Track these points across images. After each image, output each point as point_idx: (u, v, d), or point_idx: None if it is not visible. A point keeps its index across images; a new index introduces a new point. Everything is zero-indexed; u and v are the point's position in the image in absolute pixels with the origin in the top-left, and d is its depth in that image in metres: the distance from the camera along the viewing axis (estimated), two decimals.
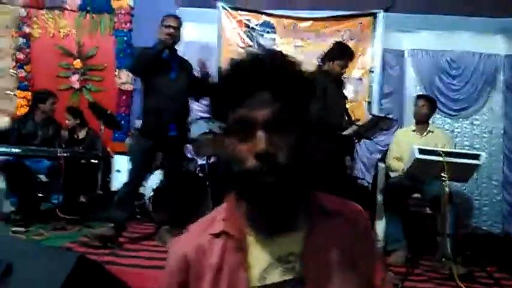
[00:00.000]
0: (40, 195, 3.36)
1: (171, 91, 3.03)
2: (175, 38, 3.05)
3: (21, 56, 4.97)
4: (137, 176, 3.11)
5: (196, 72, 3.20)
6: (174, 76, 3.06)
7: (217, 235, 0.80)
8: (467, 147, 4.47)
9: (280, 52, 0.80)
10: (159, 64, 3.00)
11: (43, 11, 5.02)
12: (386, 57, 4.67)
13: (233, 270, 0.77)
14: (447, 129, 4.44)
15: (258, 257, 0.77)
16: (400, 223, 3.22)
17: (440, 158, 2.68)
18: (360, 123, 2.78)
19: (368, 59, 4.70)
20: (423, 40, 4.64)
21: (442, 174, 2.68)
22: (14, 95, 4.91)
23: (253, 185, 0.73)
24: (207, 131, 3.94)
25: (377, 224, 3.38)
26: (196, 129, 3.87)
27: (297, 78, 0.77)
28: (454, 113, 4.58)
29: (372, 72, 4.67)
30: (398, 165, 3.35)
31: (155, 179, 3.79)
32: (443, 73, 4.58)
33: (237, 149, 0.75)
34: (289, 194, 0.75)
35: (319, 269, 0.76)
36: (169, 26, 3.02)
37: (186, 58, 3.32)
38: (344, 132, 2.79)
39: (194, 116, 4.08)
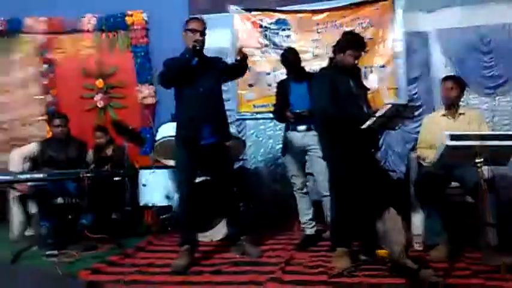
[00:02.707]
0: (70, 217, 3.39)
1: (202, 99, 2.96)
2: (202, 42, 2.96)
3: (46, 81, 5.11)
4: (186, 188, 3.04)
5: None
6: (204, 83, 2.97)
7: None
8: (507, 126, 4.15)
9: None
10: (189, 73, 2.93)
11: (62, 36, 5.15)
12: (409, 40, 4.43)
13: None
14: (485, 109, 4.14)
15: None
16: (439, 215, 3.01)
17: (474, 143, 2.47)
18: (378, 113, 2.60)
19: (390, 44, 4.47)
20: (449, 18, 4.35)
21: (477, 160, 2.47)
22: (44, 120, 5.05)
23: None
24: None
25: (413, 218, 3.18)
26: None
27: None
28: (490, 91, 4.26)
29: (396, 58, 4.44)
30: (430, 152, 3.15)
31: None
32: (474, 50, 4.26)
33: None
34: None
35: None
36: (194, 31, 2.94)
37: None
38: (363, 126, 2.62)
39: None
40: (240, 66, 3.08)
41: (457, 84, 3.20)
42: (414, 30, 4.42)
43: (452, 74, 4.03)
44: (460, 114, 3.22)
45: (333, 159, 2.84)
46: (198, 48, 2.90)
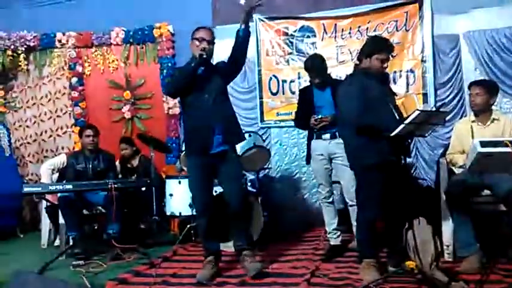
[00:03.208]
0: (96, 227, 3.45)
1: (209, 107, 2.88)
2: (209, 52, 2.89)
3: (75, 94, 5.26)
4: (201, 200, 2.97)
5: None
6: (210, 91, 2.90)
7: None
8: None
9: None
10: (195, 82, 2.88)
11: (92, 49, 5.29)
12: (438, 44, 4.29)
13: None
14: None
15: None
16: (470, 225, 2.87)
17: (508, 149, 2.35)
18: (408, 120, 2.51)
19: (419, 48, 4.36)
20: (478, 20, 4.19)
21: None
22: (73, 131, 5.20)
23: None
24: (252, 145, 3.86)
25: (444, 228, 3.05)
26: (242, 144, 3.79)
27: None
28: None
29: (424, 61, 4.31)
30: (461, 157, 3.02)
31: None
32: (505, 51, 4.09)
33: None
34: None
35: None
36: (201, 39, 2.87)
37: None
38: (392, 133, 2.54)
39: None
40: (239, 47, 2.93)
41: (485, 89, 3.06)
42: (443, 33, 4.29)
43: (482, 77, 3.88)
44: (494, 120, 3.08)
45: (359, 167, 2.76)
46: (204, 57, 2.84)
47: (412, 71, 4.37)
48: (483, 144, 2.37)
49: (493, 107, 3.19)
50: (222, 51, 4.56)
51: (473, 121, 3.13)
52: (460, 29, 4.26)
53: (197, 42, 2.88)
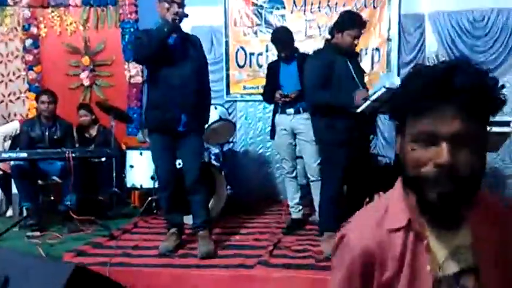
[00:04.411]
0: (52, 198, 3.31)
1: (179, 80, 2.71)
2: (181, 16, 2.67)
3: (30, 57, 4.94)
4: (164, 176, 2.87)
5: None
6: (181, 61, 2.73)
7: (396, 230, 0.84)
8: (500, 112, 4.11)
9: (470, 66, 0.79)
10: (165, 51, 2.67)
11: (48, 10, 4.95)
12: (404, 23, 4.35)
13: (415, 261, 0.83)
14: None
15: (437, 250, 0.83)
16: None
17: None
18: (374, 97, 2.54)
19: (385, 26, 4.39)
20: (444, 1, 4.27)
21: None
22: (27, 97, 4.91)
23: (429, 189, 0.77)
24: (218, 118, 3.79)
25: None
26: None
27: (487, 95, 0.78)
28: None
29: (390, 40, 4.36)
30: None
31: None
32: (468, 34, 4.21)
33: (417, 153, 0.78)
34: (463, 201, 0.79)
35: (489, 259, 0.83)
36: (173, 2, 2.63)
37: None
38: (358, 110, 2.56)
39: None
40: None
41: None
42: (410, 12, 4.34)
43: (444, 58, 3.98)
44: None
45: (327, 143, 2.78)
46: (178, 22, 2.65)
47: (377, 49, 4.42)
48: None
49: None
50: (192, 20, 4.40)
51: None
52: (425, 9, 4.33)
53: (167, 5, 2.64)
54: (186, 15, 2.73)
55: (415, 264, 0.82)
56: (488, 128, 0.82)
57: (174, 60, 2.73)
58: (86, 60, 4.92)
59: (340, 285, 0.89)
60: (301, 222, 3.42)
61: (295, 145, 3.35)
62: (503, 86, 0.80)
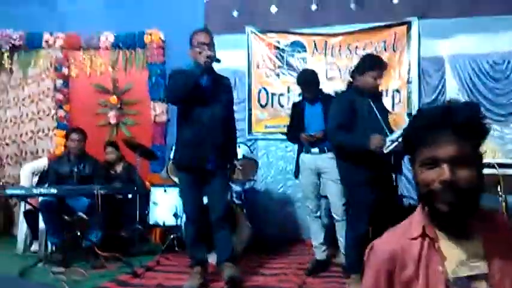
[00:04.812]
0: (78, 233, 3.35)
1: (209, 120, 2.80)
2: (213, 57, 2.76)
3: (60, 96, 5.14)
4: (191, 211, 2.93)
5: None
6: (212, 102, 2.82)
7: (415, 238, 1.03)
8: None
9: (468, 104, 1.08)
10: (198, 92, 2.76)
11: (79, 52, 5.21)
12: (424, 65, 4.43)
13: (430, 263, 0.99)
14: (496, 137, 4.09)
15: (449, 255, 0.99)
16: None
17: (494, 171, 2.42)
18: (398, 137, 2.56)
19: (405, 69, 4.48)
20: (463, 44, 4.35)
21: (498, 189, 2.42)
22: (55, 134, 5.07)
23: (438, 201, 0.97)
24: (242, 156, 3.86)
25: None
26: None
27: (476, 125, 1.00)
28: (502, 119, 4.22)
29: (410, 82, 4.44)
30: None
31: None
32: (487, 77, 4.26)
33: (425, 175, 0.99)
34: (467, 209, 0.98)
35: (500, 269, 0.97)
36: (204, 44, 2.74)
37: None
38: (385, 151, 2.59)
39: None
40: None
41: None
42: (429, 56, 4.42)
43: (465, 100, 4.01)
44: None
45: (351, 183, 2.79)
46: (210, 64, 2.74)
47: (398, 91, 4.49)
48: None
49: None
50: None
51: None
52: (445, 52, 4.41)
53: (198, 49, 2.74)
54: (218, 60, 2.82)
55: (430, 266, 0.99)
56: (480, 150, 1.02)
57: (205, 101, 2.82)
58: (113, 99, 5.10)
59: (369, 284, 1.07)
60: (325, 263, 3.37)
61: (320, 184, 3.36)
62: (485, 116, 1.02)
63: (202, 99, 2.81)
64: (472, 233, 1.01)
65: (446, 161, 0.96)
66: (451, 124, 0.97)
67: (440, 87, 4.40)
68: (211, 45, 2.80)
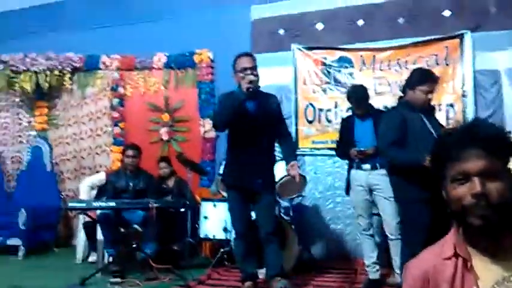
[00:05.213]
0: (134, 245, 3.48)
1: (256, 146, 2.86)
2: (257, 82, 2.77)
3: (116, 114, 5.43)
4: (240, 227, 3.00)
5: None
6: (259, 127, 2.85)
7: (448, 258, 1.02)
8: None
9: (488, 122, 1.10)
10: (244, 117, 2.80)
11: (134, 72, 5.49)
12: (479, 79, 4.27)
13: (464, 284, 0.98)
14: None
15: (484, 274, 0.97)
16: None
17: None
18: None
19: (459, 83, 4.34)
20: None
21: None
22: (111, 150, 5.33)
23: (471, 216, 0.95)
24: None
25: None
26: (278, 172, 3.81)
27: (502, 141, 1.02)
28: None
29: (465, 96, 4.29)
30: None
31: None
32: None
33: (457, 191, 0.99)
34: (500, 222, 0.96)
35: None
36: (246, 69, 2.77)
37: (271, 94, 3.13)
38: None
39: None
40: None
41: None
42: (484, 69, 4.27)
43: None
44: None
45: (406, 201, 2.72)
46: (251, 90, 2.72)
47: (452, 105, 4.35)
48: None
49: None
50: (262, 79, 4.63)
51: None
52: (500, 65, 4.25)
53: (241, 74, 2.75)
54: (258, 87, 2.82)
55: (464, 286, 0.98)
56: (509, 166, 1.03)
57: (251, 126, 2.85)
58: (165, 116, 5.31)
59: None
60: (378, 283, 3.28)
61: (372, 201, 3.30)
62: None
63: (248, 125, 2.85)
64: (508, 250, 0.99)
65: (476, 174, 0.97)
66: (480, 139, 0.99)
67: (497, 100, 4.23)
68: (254, 69, 2.79)
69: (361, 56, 4.70)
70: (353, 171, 3.34)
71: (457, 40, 4.35)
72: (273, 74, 4.84)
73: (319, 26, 4.83)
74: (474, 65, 4.28)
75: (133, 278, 3.38)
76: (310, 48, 4.88)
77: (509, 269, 0.97)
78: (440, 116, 4.29)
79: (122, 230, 3.85)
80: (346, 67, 4.76)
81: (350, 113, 3.59)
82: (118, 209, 3.57)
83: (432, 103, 2.97)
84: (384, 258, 3.37)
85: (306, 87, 4.88)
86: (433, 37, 4.42)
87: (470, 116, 4.24)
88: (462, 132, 1.04)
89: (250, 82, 2.71)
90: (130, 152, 4.03)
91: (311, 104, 4.85)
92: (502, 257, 0.98)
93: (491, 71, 4.27)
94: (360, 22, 4.70)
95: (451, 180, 1.01)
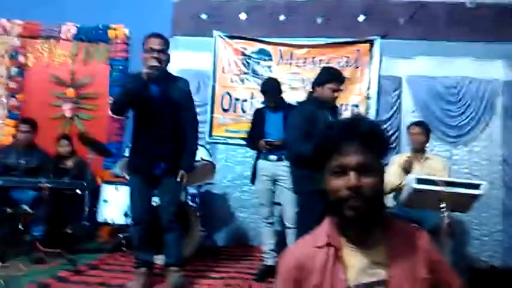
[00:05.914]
0: (20, 227, 3.19)
1: (160, 131, 2.76)
2: (162, 63, 2.66)
3: (13, 85, 4.92)
4: (137, 214, 2.87)
5: None
6: (164, 112, 2.75)
7: (321, 247, 1.08)
8: (466, 175, 4.30)
9: (367, 119, 1.18)
10: (148, 101, 2.68)
11: (38, 41, 5.01)
12: (383, 83, 4.59)
13: (334, 272, 1.04)
14: (445, 157, 4.27)
15: (352, 263, 1.05)
16: None
17: (440, 188, 2.52)
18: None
19: (365, 85, 4.62)
20: (421, 66, 4.55)
21: (442, 205, 2.52)
22: (4, 123, 4.84)
23: (345, 207, 1.02)
24: (201, 158, 3.82)
25: None
26: None
27: (378, 137, 1.10)
28: (452, 140, 4.44)
29: (369, 98, 4.58)
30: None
31: None
32: (441, 99, 4.47)
33: (334, 182, 1.05)
34: (371, 214, 1.04)
35: (400, 275, 1.03)
36: (153, 50, 2.65)
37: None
38: None
39: None
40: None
41: (425, 130, 3.31)
42: (389, 74, 4.58)
43: (420, 119, 4.18)
44: (426, 159, 3.31)
45: (305, 193, 2.81)
46: (155, 72, 2.56)
47: (357, 106, 4.61)
48: (419, 181, 2.53)
49: (426, 148, 3.46)
50: (180, 63, 4.56)
51: (408, 157, 3.33)
52: (403, 72, 4.59)
53: (146, 55, 2.62)
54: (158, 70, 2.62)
55: (334, 274, 1.04)
56: (383, 161, 1.12)
57: (154, 111, 2.73)
58: (70, 91, 4.94)
59: None
60: (274, 269, 3.37)
61: (274, 191, 3.38)
62: (391, 135, 1.20)
63: (151, 109, 2.73)
64: (376, 241, 1.07)
65: (353, 168, 1.02)
66: (358, 134, 1.05)
67: (397, 105, 4.56)
68: (162, 52, 2.67)
69: (280, 50, 4.79)
70: (259, 161, 3.40)
71: (368, 45, 4.61)
72: (192, 59, 4.76)
73: (243, 16, 4.82)
74: (380, 70, 4.58)
75: (18, 261, 3.09)
76: (232, 37, 4.85)
77: (374, 257, 1.05)
78: (346, 115, 4.55)
79: (9, 210, 3.51)
80: (265, 60, 4.81)
81: (264, 105, 3.63)
82: (5, 187, 3.23)
83: (339, 102, 3.10)
84: (283, 246, 3.47)
85: (225, 75, 4.85)
86: (346, 40, 4.64)
87: (372, 117, 4.53)
88: (344, 126, 1.09)
89: (151, 67, 2.55)
90: (24, 127, 3.68)
91: (228, 93, 4.83)
92: (369, 246, 1.06)
93: (395, 77, 4.60)
94: (282, 17, 4.77)
95: (330, 172, 1.06)
